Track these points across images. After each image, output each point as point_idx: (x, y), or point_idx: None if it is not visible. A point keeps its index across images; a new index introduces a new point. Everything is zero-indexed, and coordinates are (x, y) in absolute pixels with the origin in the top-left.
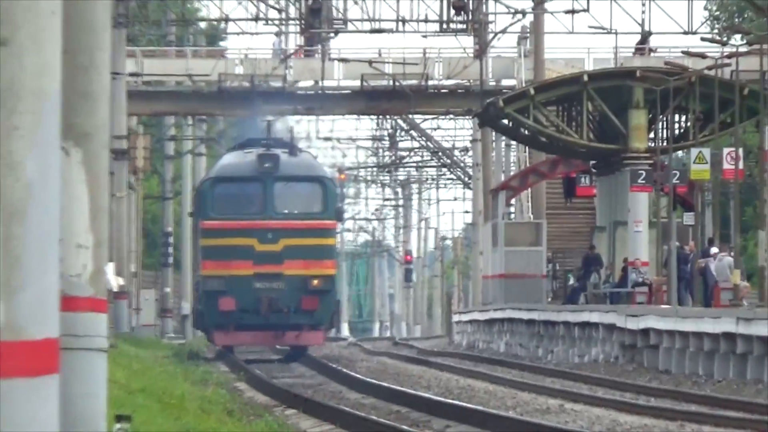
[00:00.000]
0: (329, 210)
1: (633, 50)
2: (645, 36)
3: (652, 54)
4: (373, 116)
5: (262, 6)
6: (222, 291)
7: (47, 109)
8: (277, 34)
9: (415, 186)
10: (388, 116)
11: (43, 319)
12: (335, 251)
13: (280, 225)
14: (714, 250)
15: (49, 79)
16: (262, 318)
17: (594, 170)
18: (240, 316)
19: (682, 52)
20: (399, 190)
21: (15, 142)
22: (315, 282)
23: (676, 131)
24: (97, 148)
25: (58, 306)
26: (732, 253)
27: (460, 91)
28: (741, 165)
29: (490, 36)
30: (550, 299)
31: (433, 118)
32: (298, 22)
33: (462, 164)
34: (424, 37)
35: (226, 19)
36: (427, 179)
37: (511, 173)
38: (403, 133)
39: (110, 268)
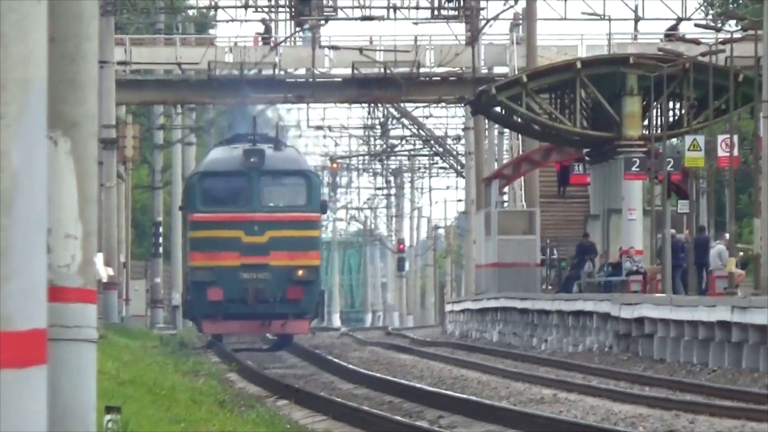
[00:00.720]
0: (313, 203)
1: (662, 36)
2: (676, 22)
3: (682, 42)
4: (364, 104)
5: None
6: (210, 281)
7: (32, 99)
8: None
9: (407, 174)
10: (379, 104)
11: (30, 310)
12: (320, 243)
13: (265, 217)
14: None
15: (34, 68)
16: (249, 307)
17: (587, 158)
18: (227, 305)
19: (676, 38)
20: (391, 178)
21: (0, 132)
22: (300, 272)
23: (670, 118)
24: (86, 137)
25: (46, 296)
26: (719, 240)
27: (452, 78)
28: (736, 152)
29: (482, 23)
30: (549, 287)
31: (425, 106)
32: (287, 9)
33: (454, 152)
34: (416, 24)
35: (215, 7)
36: (419, 168)
37: (504, 161)
38: (394, 122)
39: (99, 259)
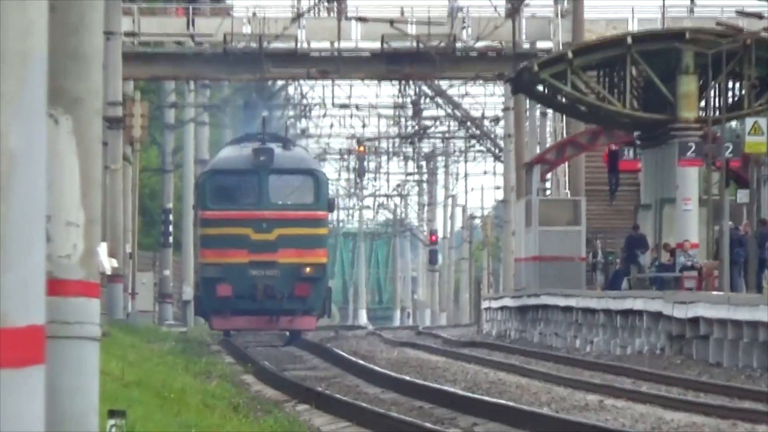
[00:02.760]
0: (321, 201)
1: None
2: None
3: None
4: (394, 81)
5: None
6: (219, 278)
7: (32, 73)
8: None
9: (440, 159)
10: (411, 82)
11: (27, 305)
12: (327, 240)
13: (274, 215)
14: None
15: (34, 40)
16: (257, 303)
17: (638, 142)
18: (236, 301)
19: (736, 12)
20: (423, 163)
21: None
22: (307, 270)
23: (730, 99)
24: (89, 115)
25: (45, 290)
26: None
27: (490, 54)
28: None
29: None
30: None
31: (460, 84)
32: None
33: (492, 135)
34: None
35: None
36: (454, 151)
37: (547, 145)
38: (427, 101)
39: (103, 249)
